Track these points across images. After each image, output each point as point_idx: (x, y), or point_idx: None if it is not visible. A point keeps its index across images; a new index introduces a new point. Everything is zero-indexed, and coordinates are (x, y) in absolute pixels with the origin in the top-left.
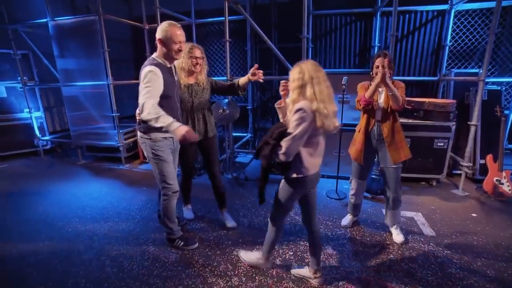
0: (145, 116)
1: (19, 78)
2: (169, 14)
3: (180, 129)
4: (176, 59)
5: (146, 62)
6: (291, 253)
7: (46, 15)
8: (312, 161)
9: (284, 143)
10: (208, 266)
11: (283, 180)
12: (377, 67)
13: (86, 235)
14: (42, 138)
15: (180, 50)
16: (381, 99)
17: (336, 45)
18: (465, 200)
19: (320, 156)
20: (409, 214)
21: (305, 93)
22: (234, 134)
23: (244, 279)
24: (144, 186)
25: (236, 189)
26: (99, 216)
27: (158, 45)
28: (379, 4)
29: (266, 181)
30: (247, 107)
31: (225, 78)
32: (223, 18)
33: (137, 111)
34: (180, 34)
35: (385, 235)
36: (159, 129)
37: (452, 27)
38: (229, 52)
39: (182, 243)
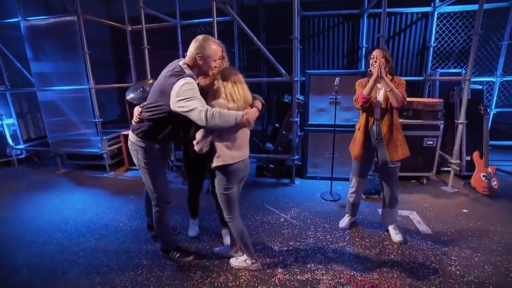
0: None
1: None
2: (154, 15)
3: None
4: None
5: (176, 71)
6: (292, 259)
7: (17, 15)
8: (229, 153)
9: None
10: (207, 278)
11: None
12: (373, 59)
13: (71, 251)
14: (16, 147)
15: (216, 67)
16: (380, 96)
17: (324, 46)
18: (455, 197)
19: (238, 148)
20: (404, 212)
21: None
22: None
23: None
24: (132, 195)
25: None
26: (84, 230)
27: (197, 60)
28: (366, 6)
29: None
30: None
31: None
32: (210, 19)
33: (137, 110)
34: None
35: (383, 235)
36: (156, 137)
37: (436, 28)
38: None
39: (178, 254)
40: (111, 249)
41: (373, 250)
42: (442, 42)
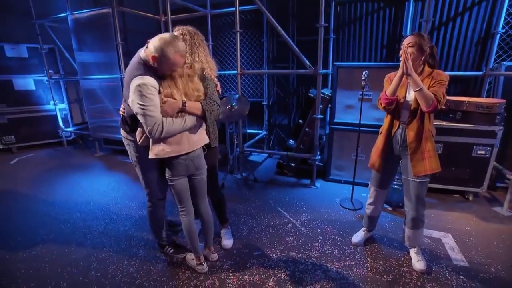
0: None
1: (45, 71)
2: (185, 5)
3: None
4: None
5: (137, 64)
6: (288, 272)
7: (66, 9)
8: (162, 147)
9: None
10: (193, 280)
11: None
12: (403, 48)
13: (82, 232)
14: (66, 129)
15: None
16: (410, 95)
17: (361, 35)
18: (511, 222)
19: (176, 143)
20: (435, 234)
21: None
22: (249, 130)
23: None
24: None
25: (242, 191)
26: (99, 213)
27: (150, 59)
28: None
29: None
30: (263, 103)
31: (236, 72)
32: (240, 8)
33: (121, 107)
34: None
35: (403, 258)
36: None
37: (508, 9)
38: (243, 44)
39: (172, 250)
40: (116, 235)
41: (385, 276)
42: None
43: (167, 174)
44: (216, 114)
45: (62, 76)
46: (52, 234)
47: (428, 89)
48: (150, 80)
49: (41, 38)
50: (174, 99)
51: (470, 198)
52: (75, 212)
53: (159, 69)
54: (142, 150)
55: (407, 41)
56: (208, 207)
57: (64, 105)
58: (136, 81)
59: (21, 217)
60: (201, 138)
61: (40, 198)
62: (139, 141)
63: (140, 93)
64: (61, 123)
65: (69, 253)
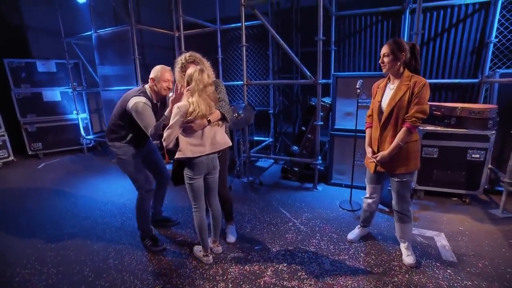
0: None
1: (70, 84)
2: (194, 22)
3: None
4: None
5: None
6: (285, 264)
7: (91, 29)
8: (191, 148)
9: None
10: (199, 268)
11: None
12: (381, 58)
13: (101, 228)
14: (86, 137)
15: (169, 87)
16: (385, 101)
17: (360, 47)
18: (505, 223)
19: (201, 145)
20: (429, 233)
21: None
22: (256, 138)
23: (230, 285)
24: None
25: (248, 194)
26: (117, 211)
27: (150, 82)
28: (408, 1)
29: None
30: (269, 112)
31: (242, 82)
32: (247, 23)
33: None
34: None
35: (394, 254)
36: (120, 139)
37: (500, 20)
38: (250, 56)
39: (150, 243)
40: (131, 231)
41: (375, 269)
42: (509, 37)
43: (188, 173)
44: (230, 112)
45: (84, 88)
46: (75, 228)
47: (407, 103)
48: (142, 98)
49: (67, 54)
50: (202, 115)
51: (467, 201)
52: (95, 210)
53: (157, 86)
54: (125, 152)
55: (382, 51)
56: (218, 204)
57: (85, 115)
58: (133, 101)
59: (49, 213)
60: (225, 141)
61: (65, 198)
62: (168, 145)
63: (136, 109)
64: (82, 131)
65: (91, 244)
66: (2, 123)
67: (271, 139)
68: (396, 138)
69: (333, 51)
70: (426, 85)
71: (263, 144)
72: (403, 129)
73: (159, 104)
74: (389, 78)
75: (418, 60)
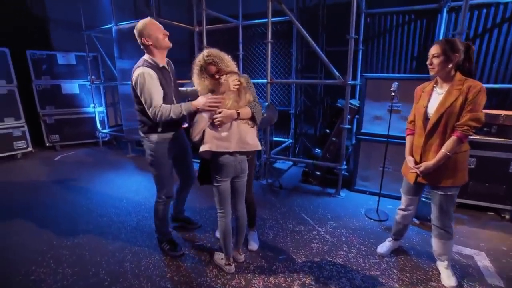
0: (158, 118)
1: (88, 77)
2: (217, 16)
3: (197, 100)
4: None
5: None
6: (313, 277)
7: (111, 21)
8: (216, 142)
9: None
10: (221, 278)
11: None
12: (429, 59)
13: (117, 227)
14: (102, 130)
15: (166, 35)
16: (431, 106)
17: (390, 47)
18: None
19: (227, 140)
20: (467, 251)
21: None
22: (275, 138)
23: None
24: None
25: (267, 197)
26: (132, 209)
27: (144, 42)
28: None
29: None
30: (290, 112)
31: (266, 80)
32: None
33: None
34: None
35: (430, 272)
36: (154, 129)
37: None
38: (273, 54)
39: (168, 247)
40: (148, 232)
41: None
42: None
43: (215, 175)
44: (260, 113)
45: (102, 81)
46: (90, 225)
47: (459, 110)
48: (145, 69)
49: (87, 46)
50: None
51: (506, 216)
52: (110, 207)
53: (155, 42)
54: (158, 149)
55: (431, 51)
56: (245, 210)
57: (102, 108)
58: (136, 73)
59: (64, 207)
60: (256, 143)
61: (80, 192)
62: (194, 137)
63: (138, 81)
64: (98, 125)
65: (106, 244)
66: (22, 114)
67: (291, 140)
68: (443, 148)
69: (360, 51)
70: (483, 90)
71: (282, 146)
72: (453, 138)
73: (170, 68)
74: (436, 82)
75: (473, 62)
